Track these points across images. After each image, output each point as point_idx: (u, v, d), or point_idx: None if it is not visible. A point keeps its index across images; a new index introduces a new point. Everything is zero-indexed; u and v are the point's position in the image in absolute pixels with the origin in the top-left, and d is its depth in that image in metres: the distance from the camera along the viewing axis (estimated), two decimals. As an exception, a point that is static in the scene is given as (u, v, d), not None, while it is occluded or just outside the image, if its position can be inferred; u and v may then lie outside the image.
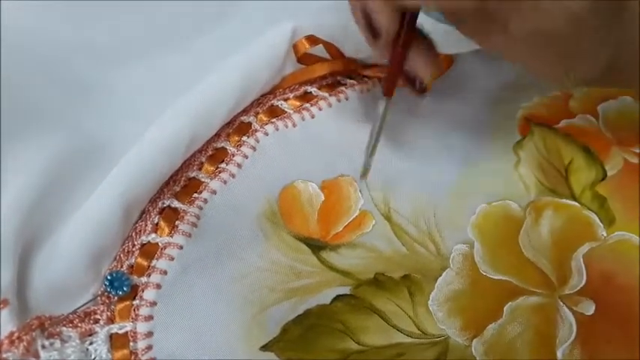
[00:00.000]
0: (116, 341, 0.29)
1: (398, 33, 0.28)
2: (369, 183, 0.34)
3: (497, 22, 0.27)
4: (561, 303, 0.32)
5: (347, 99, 0.37)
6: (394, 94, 0.30)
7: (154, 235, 0.31)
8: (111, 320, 0.29)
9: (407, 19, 0.28)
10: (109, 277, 0.30)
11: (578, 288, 0.32)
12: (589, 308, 0.31)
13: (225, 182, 0.33)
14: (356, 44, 0.36)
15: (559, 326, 0.31)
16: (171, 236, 0.31)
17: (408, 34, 0.28)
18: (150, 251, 0.31)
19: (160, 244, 0.31)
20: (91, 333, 0.29)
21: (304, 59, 0.36)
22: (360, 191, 0.34)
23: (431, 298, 0.32)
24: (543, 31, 0.27)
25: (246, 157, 0.34)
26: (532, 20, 0.26)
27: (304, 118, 0.36)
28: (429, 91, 0.29)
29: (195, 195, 0.33)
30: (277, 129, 0.35)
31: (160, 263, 0.31)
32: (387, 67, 0.30)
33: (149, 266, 0.31)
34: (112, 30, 0.38)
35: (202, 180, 0.33)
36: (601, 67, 0.29)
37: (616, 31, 0.28)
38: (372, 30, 0.28)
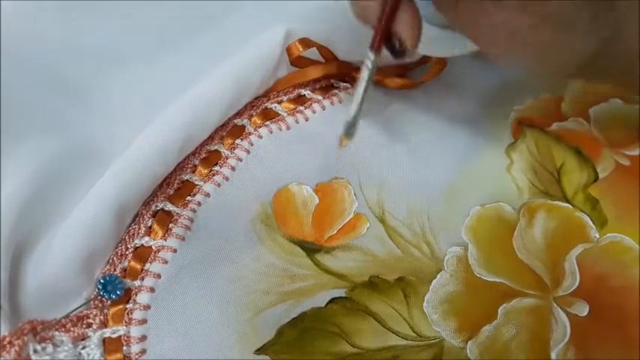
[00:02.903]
0: (109, 345, 0.29)
1: None
2: (363, 185, 0.35)
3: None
4: (555, 304, 0.32)
5: (340, 102, 0.37)
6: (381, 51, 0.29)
7: (147, 239, 0.31)
8: (104, 324, 0.29)
9: None
10: (102, 281, 0.29)
11: (572, 289, 0.32)
12: (583, 309, 0.32)
13: (218, 185, 0.33)
14: (349, 47, 0.36)
15: (553, 327, 0.31)
16: (165, 239, 0.31)
17: None
18: (143, 254, 0.31)
19: (153, 248, 0.31)
20: (83, 337, 0.29)
21: (298, 62, 0.36)
22: (355, 194, 0.34)
23: (425, 300, 0.32)
24: (520, 25, 0.28)
25: (240, 159, 0.34)
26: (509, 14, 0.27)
27: (298, 121, 0.36)
28: (406, 55, 0.29)
29: (189, 198, 0.33)
30: (271, 132, 0.35)
31: (154, 267, 0.30)
32: (376, 24, 0.29)
33: (142, 270, 0.30)
34: (105, 33, 0.38)
35: (196, 183, 0.33)
36: (580, 61, 0.29)
37: (599, 30, 0.28)
38: None
